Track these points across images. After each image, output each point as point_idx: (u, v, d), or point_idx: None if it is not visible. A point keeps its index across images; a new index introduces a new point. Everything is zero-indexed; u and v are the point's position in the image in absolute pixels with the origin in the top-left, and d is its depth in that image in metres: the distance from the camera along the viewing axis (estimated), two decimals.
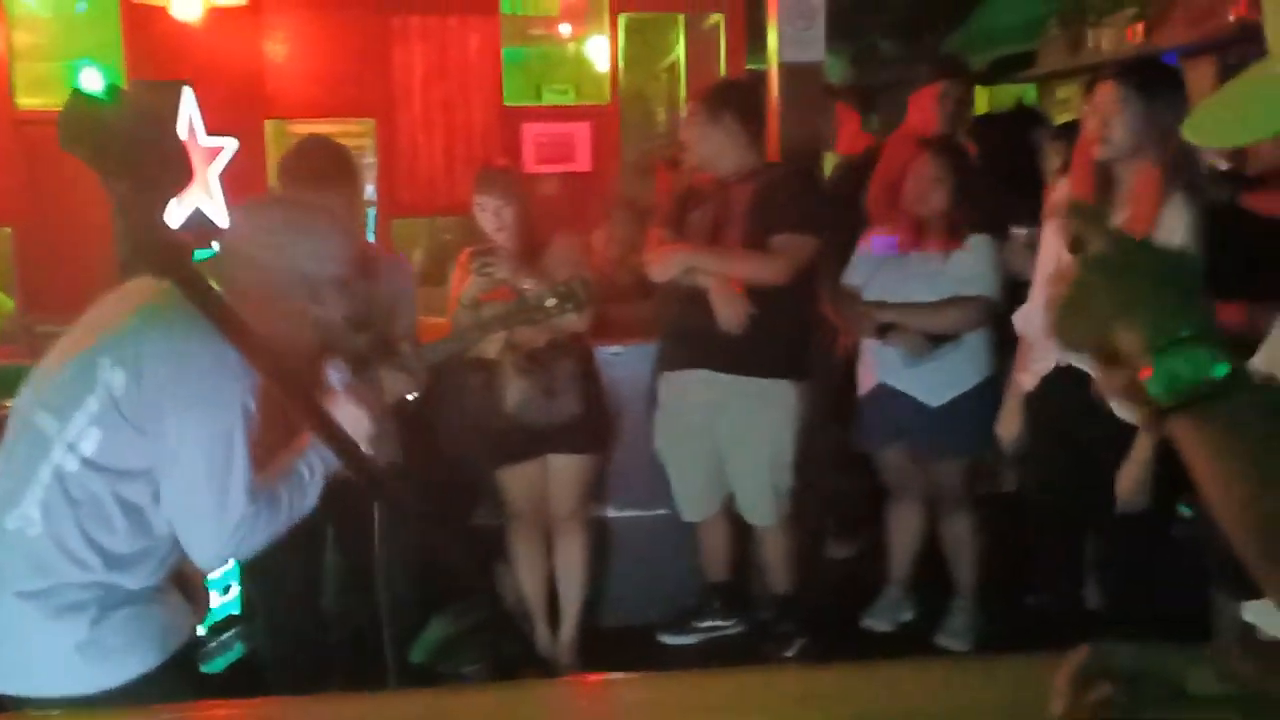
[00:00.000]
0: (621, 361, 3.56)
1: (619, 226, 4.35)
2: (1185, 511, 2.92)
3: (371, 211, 5.18)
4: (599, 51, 5.52)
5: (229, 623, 3.21)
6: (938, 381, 3.40)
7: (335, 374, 1.91)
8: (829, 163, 4.48)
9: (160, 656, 1.76)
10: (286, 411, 1.78)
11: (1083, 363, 0.89)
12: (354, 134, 5.06)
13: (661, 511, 3.59)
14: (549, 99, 5.57)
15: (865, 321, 3.46)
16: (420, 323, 3.10)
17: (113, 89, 1.44)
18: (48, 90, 4.72)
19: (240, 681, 3.05)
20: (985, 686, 1.33)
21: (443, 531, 1.33)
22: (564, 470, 3.35)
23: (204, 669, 2.84)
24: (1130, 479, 2.70)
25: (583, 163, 5.30)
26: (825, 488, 3.79)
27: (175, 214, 3.48)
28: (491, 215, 3.20)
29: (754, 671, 2.01)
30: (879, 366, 3.49)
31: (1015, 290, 3.31)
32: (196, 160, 3.51)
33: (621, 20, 5.43)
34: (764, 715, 1.28)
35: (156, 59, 4.44)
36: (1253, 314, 2.62)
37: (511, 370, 3.22)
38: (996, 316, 3.36)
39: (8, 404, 1.87)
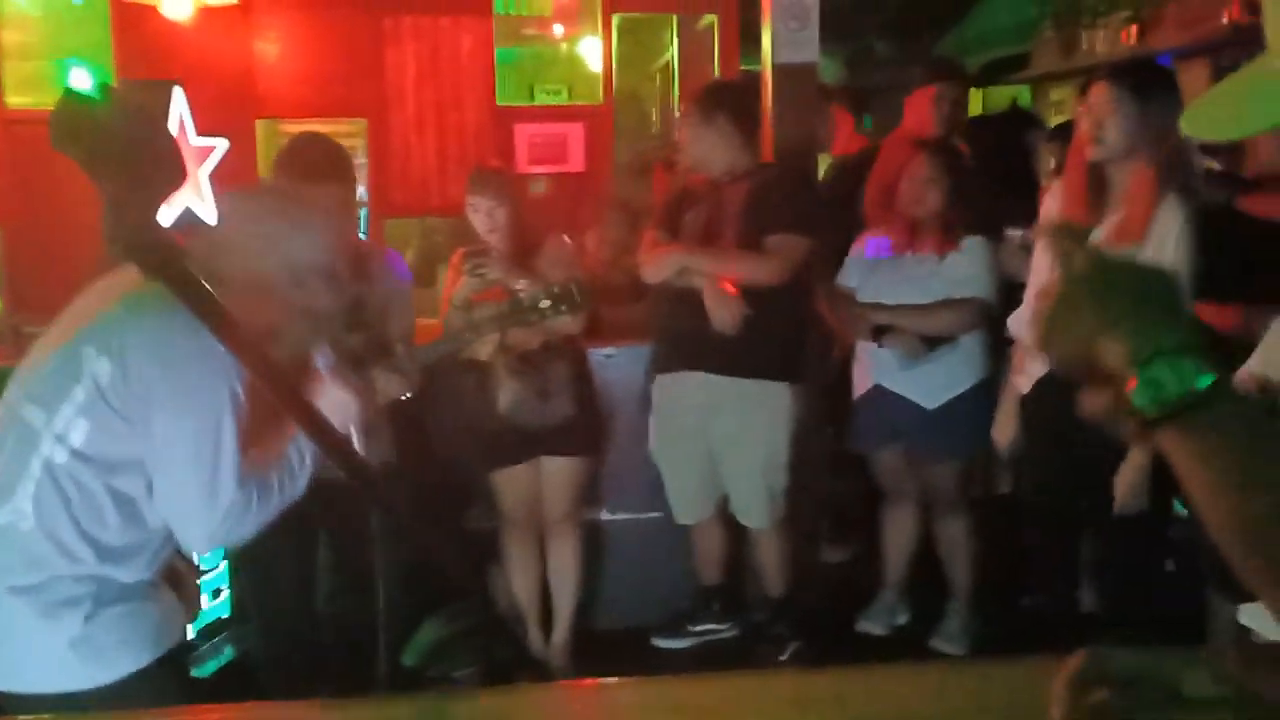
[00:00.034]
0: (615, 363, 3.55)
1: (612, 227, 4.34)
2: (1181, 511, 2.91)
3: (363, 212, 5.16)
4: (592, 52, 5.51)
5: (219, 626, 3.19)
6: (933, 383, 3.40)
7: (322, 358, 1.90)
8: (823, 164, 4.47)
9: (153, 654, 1.75)
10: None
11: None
12: (346, 134, 5.03)
13: (655, 514, 3.58)
14: (542, 99, 5.55)
15: (861, 323, 3.45)
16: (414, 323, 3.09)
17: (105, 88, 1.43)
18: (37, 89, 4.69)
19: (230, 685, 3.04)
20: (981, 690, 1.32)
21: (435, 533, 1.32)
22: (557, 473, 3.34)
23: (194, 673, 2.83)
24: (1127, 483, 2.70)
25: (576, 163, 5.28)
26: (820, 490, 3.78)
27: (166, 214, 3.46)
28: (484, 216, 3.19)
29: (748, 675, 2.00)
30: (874, 368, 3.48)
31: (1010, 292, 3.31)
32: (187, 160, 3.49)
33: (615, 20, 5.42)
34: (758, 719, 1.27)
35: (146, 58, 4.42)
36: (1247, 317, 2.62)
37: (504, 372, 3.20)
38: (991, 319, 3.36)
39: None
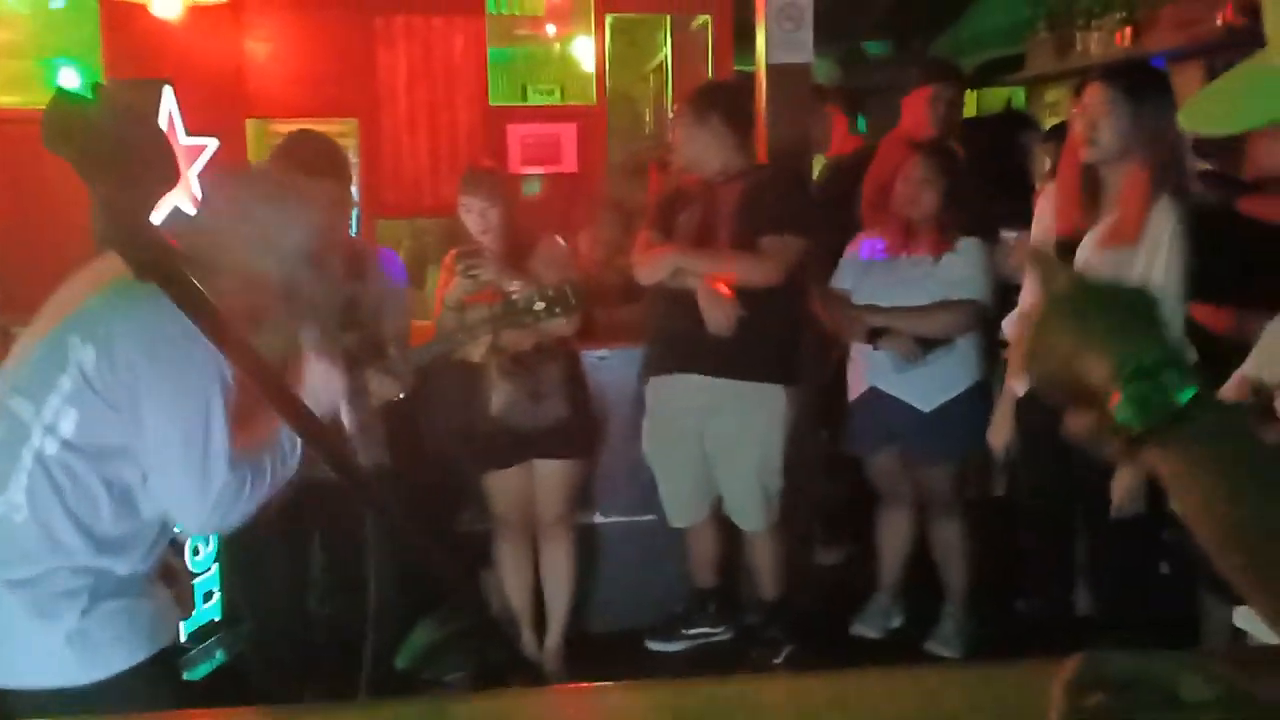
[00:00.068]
0: (608, 365, 3.54)
1: (605, 228, 4.33)
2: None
3: (355, 212, 5.14)
4: (585, 52, 5.50)
5: (210, 629, 3.18)
6: (928, 386, 3.39)
7: (308, 335, 1.89)
8: (817, 165, 4.46)
9: (148, 651, 1.75)
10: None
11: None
12: (337, 134, 5.00)
13: (649, 517, 3.57)
14: (535, 100, 5.53)
15: (856, 325, 3.44)
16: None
17: (96, 88, 1.41)
18: (25, 88, 4.66)
19: (222, 689, 3.02)
20: (976, 693, 1.31)
21: (428, 535, 1.32)
22: (550, 475, 3.32)
23: (186, 676, 2.81)
24: (1123, 486, 2.69)
25: (569, 164, 5.26)
26: (815, 493, 3.77)
27: (156, 214, 3.44)
28: (477, 217, 3.18)
29: (742, 679, 1.99)
30: (869, 370, 3.47)
31: (1005, 294, 3.31)
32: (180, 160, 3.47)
33: (608, 20, 5.40)
34: None
35: (136, 57, 4.38)
36: (1242, 319, 2.62)
37: (497, 374, 3.19)
38: (987, 321, 3.35)
39: None
